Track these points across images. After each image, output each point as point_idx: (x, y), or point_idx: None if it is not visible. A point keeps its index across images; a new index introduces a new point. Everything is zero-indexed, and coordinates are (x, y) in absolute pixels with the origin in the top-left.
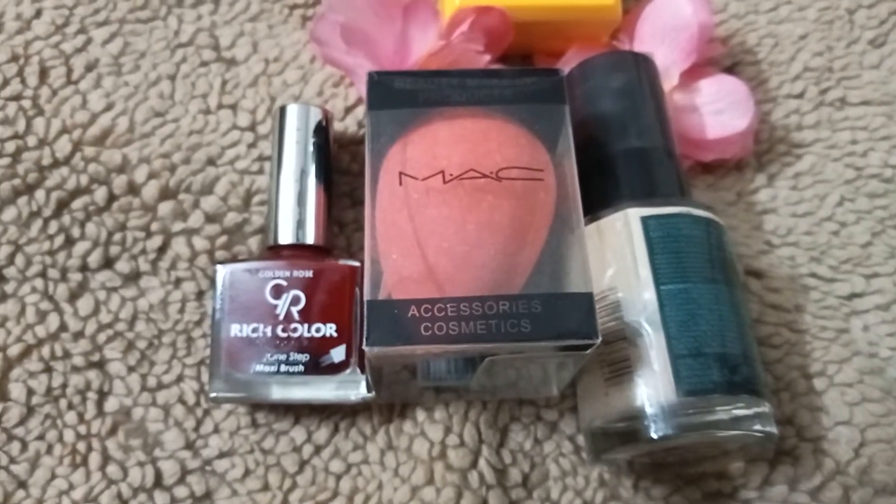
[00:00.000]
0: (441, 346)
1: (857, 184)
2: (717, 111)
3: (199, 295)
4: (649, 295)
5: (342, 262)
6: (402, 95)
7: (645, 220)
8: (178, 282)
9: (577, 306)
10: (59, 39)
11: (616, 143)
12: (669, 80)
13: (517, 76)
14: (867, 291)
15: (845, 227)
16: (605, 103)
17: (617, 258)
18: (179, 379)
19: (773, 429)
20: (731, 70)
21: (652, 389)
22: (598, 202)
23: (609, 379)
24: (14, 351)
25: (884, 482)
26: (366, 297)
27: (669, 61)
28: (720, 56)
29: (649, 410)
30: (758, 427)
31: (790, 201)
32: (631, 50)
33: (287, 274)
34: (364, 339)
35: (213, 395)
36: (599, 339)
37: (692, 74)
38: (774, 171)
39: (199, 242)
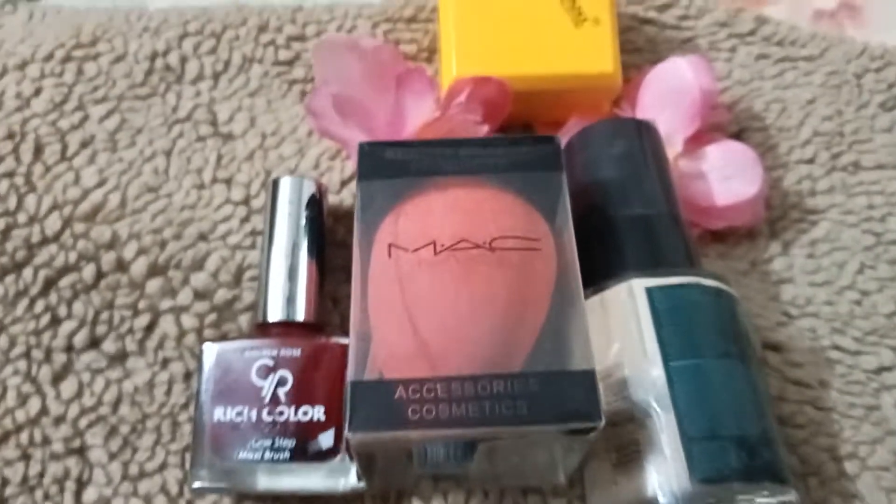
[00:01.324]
0: (430, 431)
1: (877, 250)
2: (724, 177)
3: (187, 376)
4: (657, 372)
5: (333, 339)
6: (393, 166)
7: (650, 291)
8: (165, 362)
9: (578, 385)
10: (57, 116)
11: (619, 210)
12: (673, 147)
13: (512, 144)
14: None
15: (868, 295)
16: (606, 170)
17: (622, 333)
18: (163, 466)
19: None
20: (738, 136)
21: (664, 476)
22: (601, 273)
23: (617, 465)
24: None
25: None
26: (349, 378)
27: (672, 128)
28: (726, 122)
29: (662, 500)
30: None
31: (807, 270)
32: (633, 117)
33: (274, 353)
34: (347, 424)
35: (195, 485)
36: (603, 422)
37: (697, 141)
38: (789, 238)
39: (188, 320)
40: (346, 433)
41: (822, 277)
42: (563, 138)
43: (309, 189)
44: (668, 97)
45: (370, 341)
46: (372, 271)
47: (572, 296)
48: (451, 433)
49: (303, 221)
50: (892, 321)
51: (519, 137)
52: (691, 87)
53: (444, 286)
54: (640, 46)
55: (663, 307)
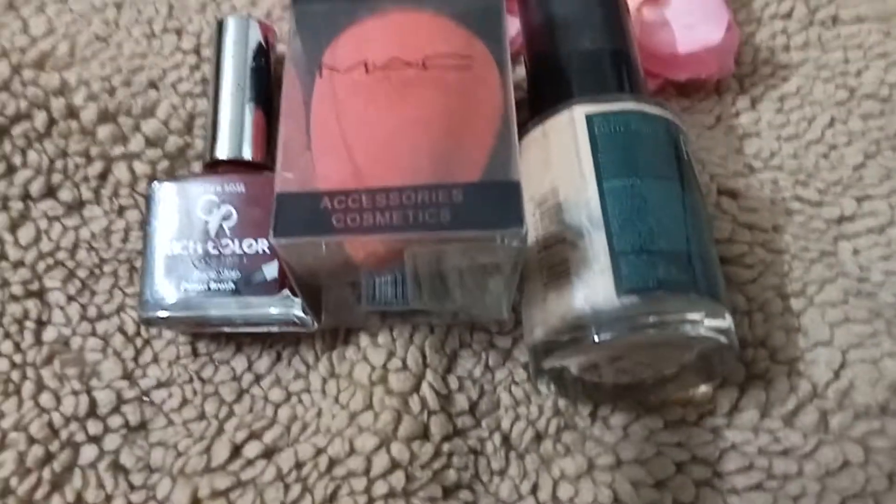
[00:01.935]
0: (353, 236)
1: (849, 105)
2: (688, 25)
3: (143, 223)
4: (591, 192)
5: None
6: None
7: (590, 118)
8: (120, 210)
9: (501, 195)
10: None
11: (568, 45)
12: None
13: None
14: (858, 214)
15: (836, 149)
16: (558, 6)
17: (561, 158)
18: (120, 308)
19: (732, 340)
20: None
21: (591, 290)
22: (547, 105)
23: (548, 283)
24: None
25: (866, 404)
26: (276, 190)
27: None
28: None
29: (588, 312)
30: (710, 330)
31: (775, 124)
32: None
33: (219, 189)
34: (271, 231)
35: (144, 315)
36: (525, 229)
37: None
38: (758, 93)
39: (141, 167)
40: (270, 238)
41: (790, 131)
42: None
43: (255, 31)
44: None
45: (296, 156)
46: (306, 89)
47: (508, 112)
48: (374, 238)
49: (249, 63)
50: (858, 173)
51: None
52: None
53: (377, 106)
54: None
55: (602, 132)
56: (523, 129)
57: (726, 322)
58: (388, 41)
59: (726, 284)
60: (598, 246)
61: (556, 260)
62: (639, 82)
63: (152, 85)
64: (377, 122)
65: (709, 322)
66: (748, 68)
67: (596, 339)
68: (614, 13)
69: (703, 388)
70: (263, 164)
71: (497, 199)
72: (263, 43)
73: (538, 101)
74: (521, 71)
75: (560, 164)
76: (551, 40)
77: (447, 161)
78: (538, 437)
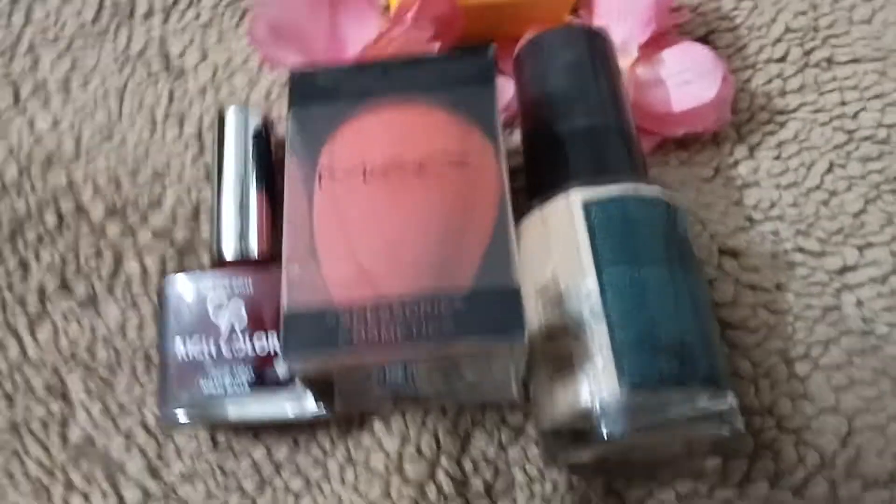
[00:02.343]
0: (359, 354)
1: (847, 148)
2: (683, 82)
3: (156, 314)
4: (591, 283)
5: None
6: (325, 92)
7: (586, 204)
8: (134, 303)
9: (501, 303)
10: (8, 59)
11: (563, 122)
12: (629, 54)
13: (444, 61)
14: (861, 264)
15: (835, 195)
16: (553, 81)
17: (560, 246)
18: (140, 403)
19: (737, 424)
20: (706, 38)
21: (596, 385)
22: (546, 187)
23: (553, 378)
24: None
25: (874, 474)
26: (283, 308)
27: (628, 34)
28: (692, 25)
29: (595, 409)
30: (717, 422)
31: (773, 172)
32: (582, 25)
33: (228, 290)
34: (280, 354)
35: (165, 420)
36: (526, 338)
37: (655, 45)
38: (755, 141)
39: (151, 260)
40: (279, 363)
41: (789, 179)
42: (492, 47)
43: (255, 119)
44: (623, 3)
45: (302, 270)
46: (307, 196)
47: (504, 213)
48: (379, 354)
49: (251, 153)
50: (858, 220)
51: (452, 53)
52: None
53: (376, 212)
54: None
55: (599, 218)
56: (522, 212)
57: (728, 405)
58: (384, 143)
59: (731, 351)
60: (599, 339)
61: (560, 352)
62: (635, 158)
63: (157, 175)
64: (378, 227)
65: (719, 415)
66: (745, 115)
67: (603, 436)
68: (609, 88)
69: (712, 461)
70: (269, 257)
71: (498, 305)
72: (263, 129)
73: (535, 180)
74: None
75: (559, 251)
76: (546, 117)
77: (446, 262)
78: None
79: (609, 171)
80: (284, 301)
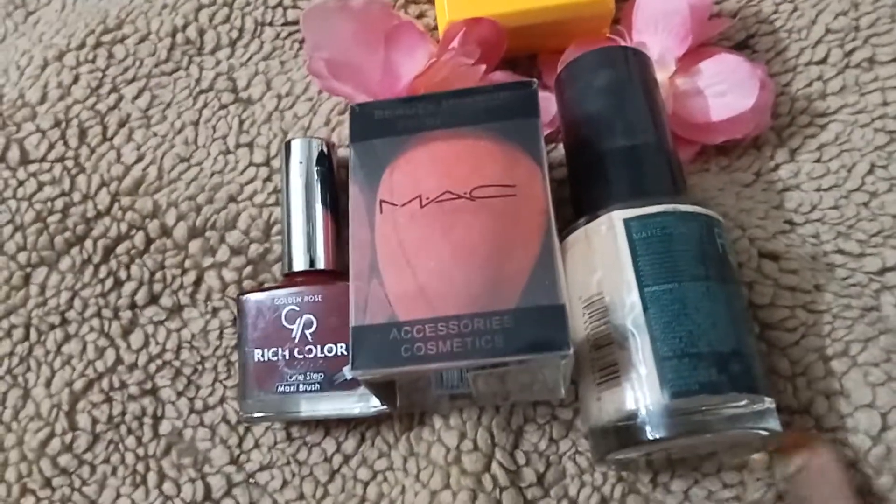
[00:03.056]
0: (420, 366)
1: (889, 148)
2: (720, 93)
3: (235, 321)
4: (634, 298)
5: (349, 283)
6: (382, 125)
7: (627, 223)
8: (214, 311)
9: (547, 319)
10: (95, 100)
11: (604, 143)
12: (667, 67)
13: (491, 93)
14: None
15: (876, 196)
16: (592, 103)
17: (604, 262)
18: (222, 400)
19: (774, 425)
20: (746, 43)
21: (640, 393)
22: (590, 205)
23: (601, 383)
24: (79, 385)
25: None
26: (351, 323)
27: (665, 48)
28: (731, 31)
29: (640, 413)
30: (754, 424)
31: (814, 175)
32: (621, 44)
33: (299, 300)
34: (350, 365)
35: (245, 415)
36: (571, 351)
37: (694, 57)
38: (796, 144)
39: (228, 274)
40: (350, 372)
41: (830, 181)
42: (535, 81)
43: (317, 147)
44: (659, 17)
45: (367, 289)
46: (369, 223)
47: (550, 235)
48: (437, 367)
49: (315, 178)
50: None
51: (498, 85)
52: (680, 5)
53: (433, 236)
54: None
55: (640, 237)
56: (567, 222)
57: (765, 406)
58: (438, 173)
59: (769, 349)
60: (644, 350)
61: (606, 362)
62: (674, 175)
63: (232, 199)
64: (434, 250)
65: (755, 418)
66: (785, 119)
67: (648, 437)
68: (648, 106)
69: (758, 455)
70: (334, 269)
71: (544, 321)
72: (326, 154)
73: (578, 196)
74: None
75: (603, 267)
76: (587, 136)
77: (497, 282)
78: (604, 502)
79: (648, 189)
80: (352, 317)
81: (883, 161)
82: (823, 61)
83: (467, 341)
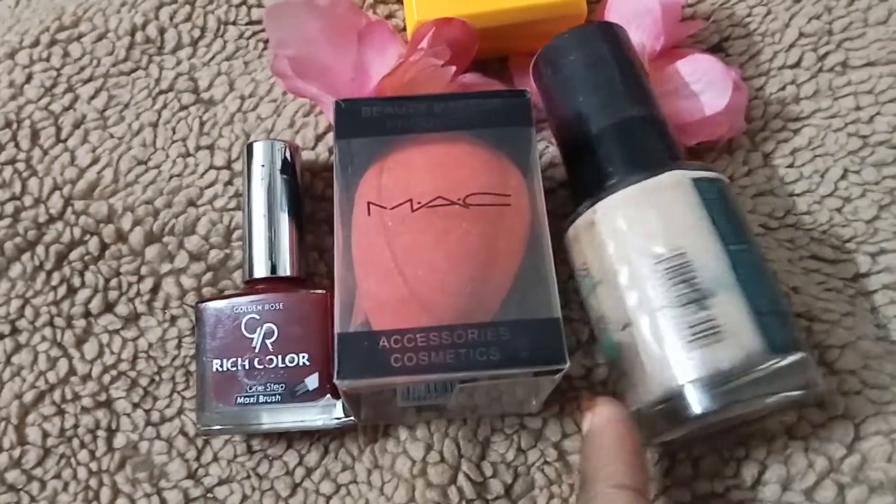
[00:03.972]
0: (411, 376)
1: (862, 153)
2: (694, 93)
3: (194, 330)
4: (721, 256)
5: (311, 291)
6: (370, 123)
7: (697, 182)
8: (172, 319)
9: (544, 332)
10: (49, 101)
11: (606, 117)
12: None
13: (485, 98)
14: (873, 270)
15: (850, 202)
16: (578, 81)
17: (675, 220)
18: (180, 412)
19: (816, 378)
20: (719, 46)
21: (740, 349)
22: (597, 181)
23: (692, 342)
24: (29, 397)
25: (879, 479)
26: (336, 330)
27: (638, 48)
28: (705, 34)
29: (740, 370)
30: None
31: (788, 180)
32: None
33: (259, 308)
34: (335, 373)
35: (203, 428)
36: (568, 364)
37: (667, 58)
38: (769, 149)
39: (187, 281)
40: (336, 380)
41: (803, 186)
42: (528, 91)
43: (280, 150)
44: (631, 17)
45: (357, 292)
46: (355, 227)
47: (541, 246)
48: (431, 378)
49: (278, 182)
50: (871, 226)
51: (491, 92)
52: (651, 5)
53: (425, 242)
54: None
55: (711, 196)
56: (616, 185)
57: (807, 360)
58: (431, 177)
59: None
60: (737, 306)
61: (694, 319)
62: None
63: (191, 203)
64: (426, 254)
65: (811, 369)
66: (759, 123)
67: (757, 392)
68: (640, 78)
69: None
70: (297, 277)
71: (541, 335)
72: (289, 159)
73: (585, 179)
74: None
75: (678, 225)
76: (582, 115)
77: (492, 293)
78: None
79: (671, 157)
80: (337, 323)
81: (856, 166)
82: (797, 65)
83: (461, 353)
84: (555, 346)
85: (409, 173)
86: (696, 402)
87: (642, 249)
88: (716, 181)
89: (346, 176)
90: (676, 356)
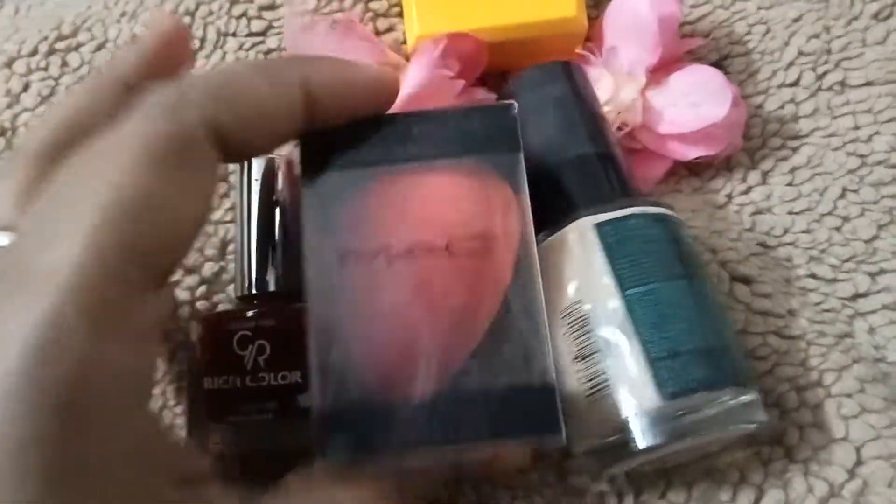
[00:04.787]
0: (401, 452)
1: (860, 172)
2: (693, 103)
3: (186, 345)
4: (616, 302)
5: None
6: (340, 156)
7: (599, 227)
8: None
9: (538, 400)
10: (46, 110)
11: (557, 154)
12: (637, 80)
13: (465, 115)
14: (872, 290)
15: (848, 221)
16: (537, 116)
17: (578, 270)
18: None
19: (761, 416)
20: (718, 64)
21: (635, 399)
22: (552, 216)
23: (590, 396)
24: None
25: None
26: (314, 402)
27: (636, 59)
28: (704, 51)
29: (635, 421)
30: (749, 417)
31: (786, 198)
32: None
33: (252, 325)
34: (321, 454)
35: (194, 446)
36: (563, 435)
37: (665, 70)
38: (768, 167)
39: (180, 293)
40: (319, 458)
41: (802, 205)
42: (514, 105)
43: (276, 165)
44: (628, 31)
45: (333, 355)
46: (329, 279)
47: (530, 295)
48: (418, 456)
49: (273, 197)
50: (870, 246)
51: (472, 107)
52: (647, 19)
53: (400, 298)
54: None
55: (613, 240)
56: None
57: (753, 398)
58: (408, 220)
59: None
60: (633, 355)
61: (594, 371)
62: (630, 183)
63: None
64: (405, 309)
65: (744, 409)
66: (757, 142)
67: (644, 445)
68: (594, 119)
69: (743, 454)
70: (289, 293)
71: (534, 404)
72: (286, 172)
73: (540, 212)
74: None
75: (579, 275)
76: (537, 151)
77: (481, 355)
78: None
79: (607, 196)
80: (316, 394)
81: (855, 185)
82: (796, 84)
83: (449, 426)
84: (549, 417)
85: (385, 217)
86: (598, 462)
87: (552, 302)
88: (627, 219)
89: (318, 219)
90: (580, 409)
